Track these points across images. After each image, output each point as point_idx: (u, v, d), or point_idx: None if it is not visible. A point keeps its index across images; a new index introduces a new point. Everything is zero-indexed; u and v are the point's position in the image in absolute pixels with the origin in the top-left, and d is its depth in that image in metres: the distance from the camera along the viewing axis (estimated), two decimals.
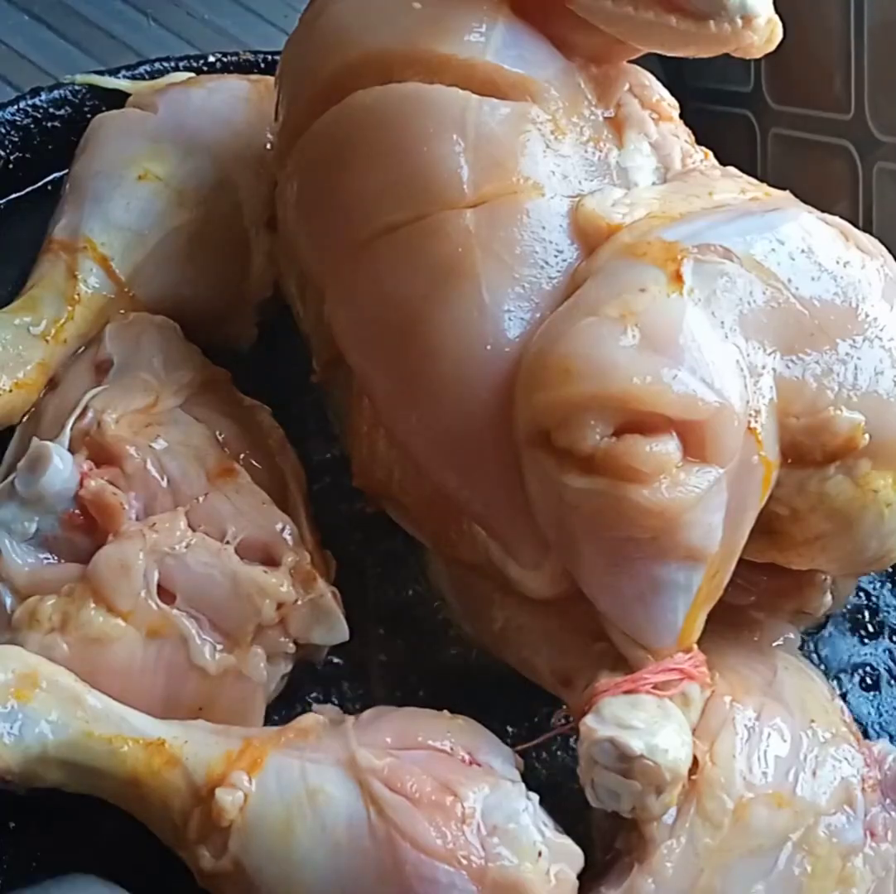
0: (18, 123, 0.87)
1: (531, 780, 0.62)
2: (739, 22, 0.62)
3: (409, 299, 0.63)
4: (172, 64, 0.90)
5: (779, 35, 0.64)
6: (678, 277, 0.59)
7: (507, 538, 0.63)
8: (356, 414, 0.68)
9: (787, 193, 0.66)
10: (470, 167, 0.63)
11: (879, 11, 0.84)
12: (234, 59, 0.92)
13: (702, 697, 0.61)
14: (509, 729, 0.70)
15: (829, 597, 0.71)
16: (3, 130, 0.87)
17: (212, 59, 0.92)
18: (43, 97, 0.88)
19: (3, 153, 0.87)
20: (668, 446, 0.56)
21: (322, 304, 0.68)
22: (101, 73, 0.90)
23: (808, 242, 0.61)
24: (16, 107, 0.88)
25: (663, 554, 0.57)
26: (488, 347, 0.61)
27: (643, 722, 0.57)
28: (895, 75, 0.84)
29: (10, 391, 0.72)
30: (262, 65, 0.92)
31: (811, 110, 0.91)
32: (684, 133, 0.70)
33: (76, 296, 0.75)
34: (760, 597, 0.69)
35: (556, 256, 0.62)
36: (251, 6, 1.17)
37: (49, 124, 0.88)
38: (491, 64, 0.64)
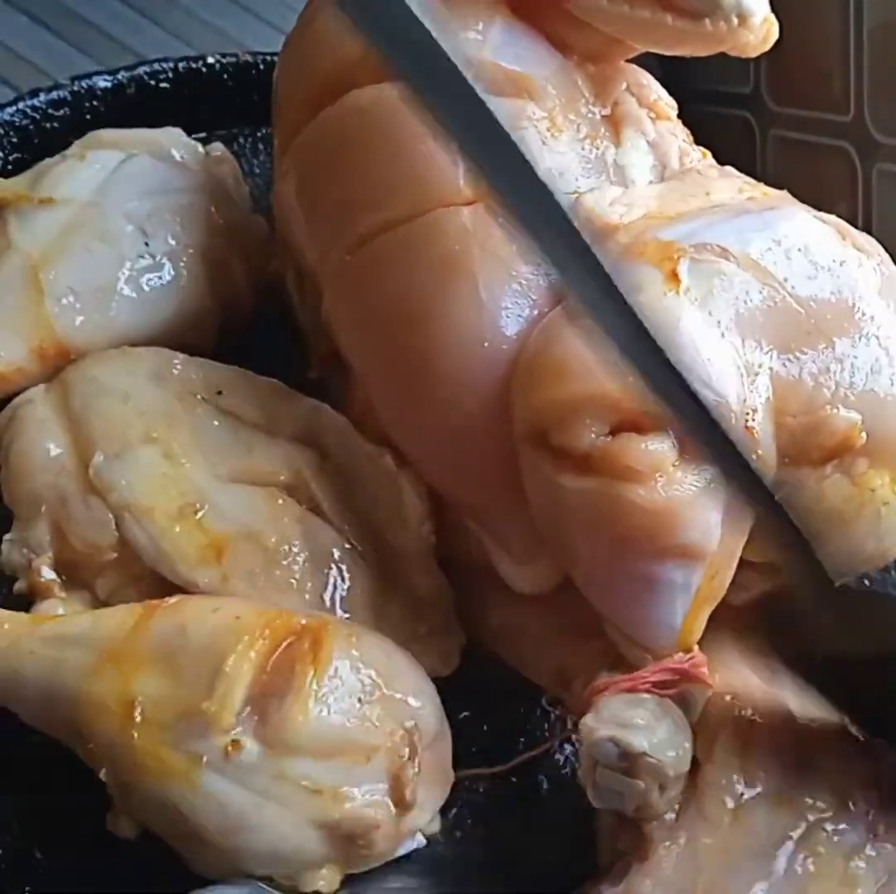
0: (17, 124, 0.87)
1: (532, 783, 0.61)
2: (735, 20, 0.62)
3: (406, 297, 0.63)
4: (171, 64, 0.90)
5: (775, 34, 0.64)
6: (674, 277, 0.58)
7: (502, 533, 0.63)
8: (353, 409, 0.68)
9: (784, 192, 0.66)
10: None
11: (879, 12, 0.84)
12: (233, 59, 0.92)
13: (702, 697, 0.60)
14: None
15: None
16: (2, 131, 0.86)
17: (211, 59, 0.91)
18: (42, 98, 0.88)
19: (1, 154, 0.86)
20: (663, 445, 0.56)
21: (320, 300, 0.68)
22: (100, 74, 0.90)
23: (805, 241, 0.61)
24: (14, 108, 0.87)
25: (660, 553, 0.57)
26: (486, 345, 0.61)
27: (644, 720, 0.56)
28: (895, 77, 0.84)
29: None
30: (261, 66, 0.92)
31: (811, 112, 0.91)
32: (682, 132, 0.70)
33: None
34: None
35: None
36: (250, 7, 1.17)
37: (48, 125, 0.88)
38: (488, 62, 0.64)
